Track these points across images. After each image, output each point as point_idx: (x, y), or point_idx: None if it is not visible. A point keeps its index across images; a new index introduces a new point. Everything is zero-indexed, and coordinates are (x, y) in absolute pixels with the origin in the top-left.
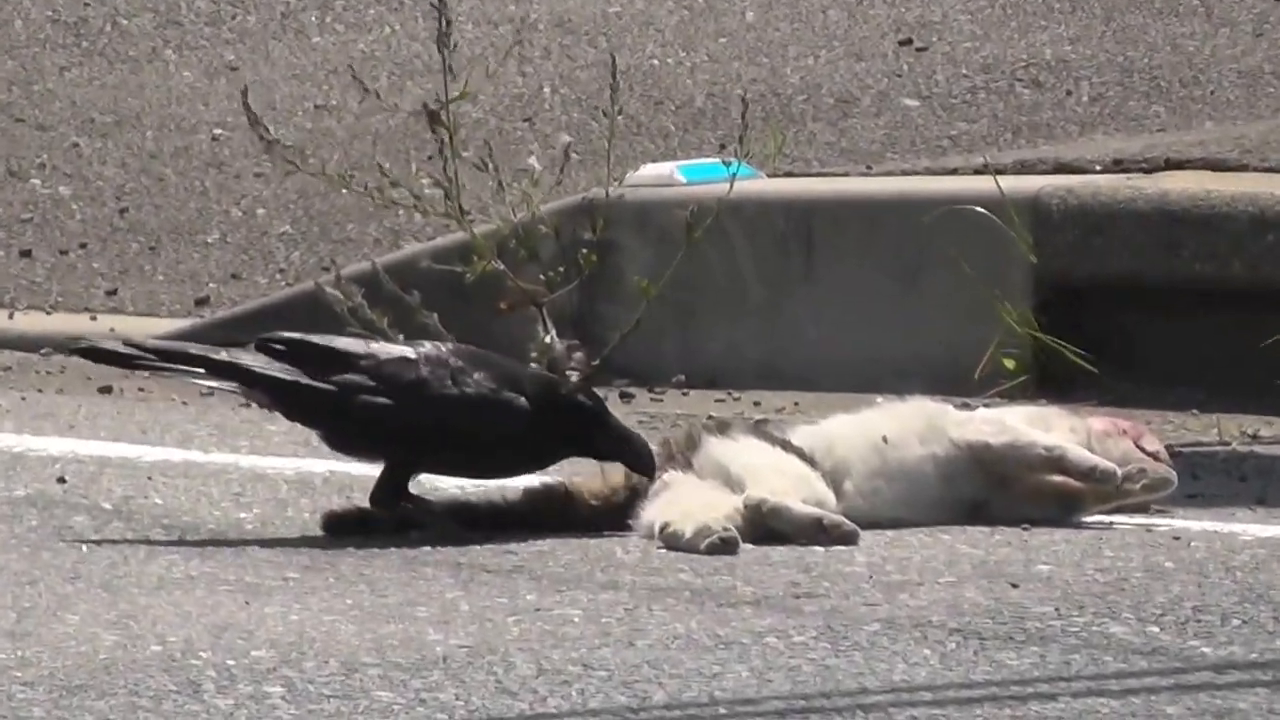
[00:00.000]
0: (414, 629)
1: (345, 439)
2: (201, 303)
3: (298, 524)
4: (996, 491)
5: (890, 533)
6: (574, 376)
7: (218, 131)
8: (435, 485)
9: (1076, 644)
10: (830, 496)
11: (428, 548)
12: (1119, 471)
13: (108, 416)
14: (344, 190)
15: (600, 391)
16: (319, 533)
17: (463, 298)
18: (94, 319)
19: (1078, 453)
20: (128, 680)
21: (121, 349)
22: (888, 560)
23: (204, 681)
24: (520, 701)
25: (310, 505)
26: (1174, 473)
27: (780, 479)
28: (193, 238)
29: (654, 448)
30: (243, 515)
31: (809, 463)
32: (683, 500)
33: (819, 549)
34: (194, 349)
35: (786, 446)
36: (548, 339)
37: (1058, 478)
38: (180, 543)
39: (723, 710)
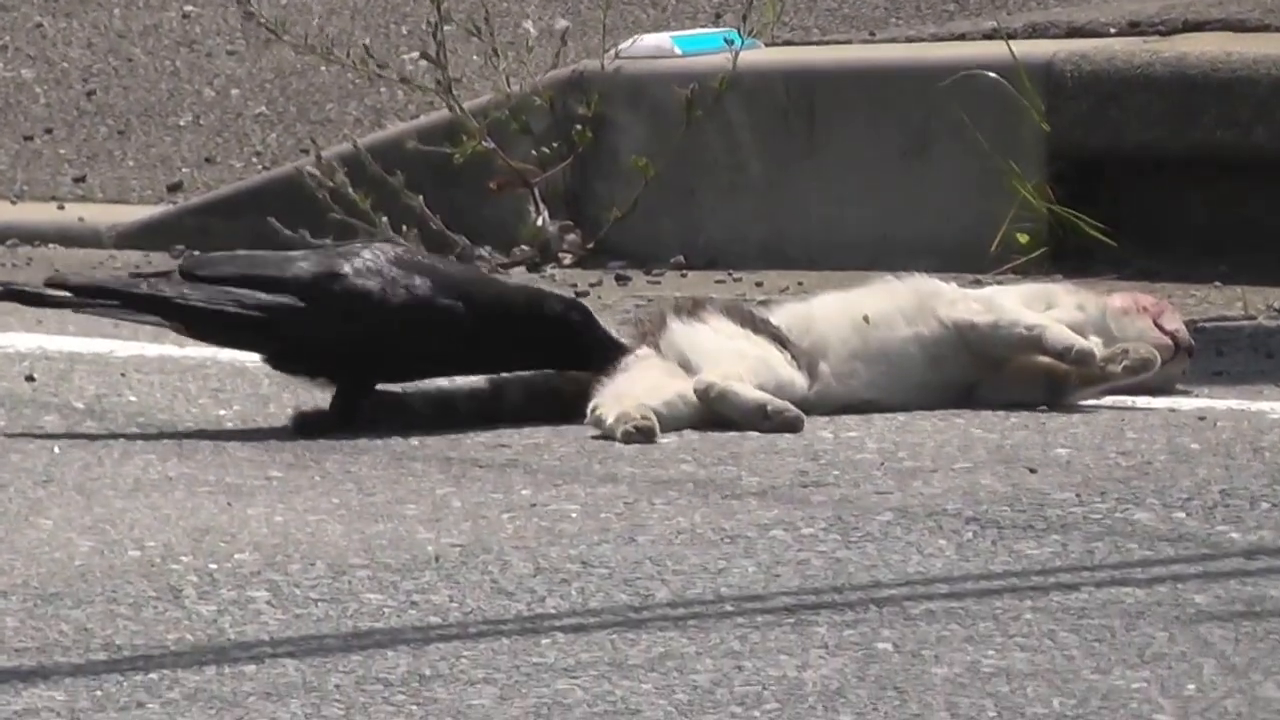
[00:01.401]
0: (404, 528)
1: (285, 362)
2: (174, 188)
3: (280, 421)
4: (987, 373)
5: (901, 417)
6: (566, 259)
7: (188, 8)
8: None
9: (1099, 531)
10: (797, 378)
11: (416, 442)
12: (1096, 351)
13: None
14: (324, 67)
15: (595, 274)
16: None
17: (450, 179)
18: (61, 208)
19: (1056, 332)
20: (105, 587)
21: (38, 290)
22: (899, 446)
23: (185, 587)
24: (517, 602)
25: (293, 400)
26: (1156, 353)
27: (737, 362)
28: (164, 120)
29: (627, 325)
30: (222, 412)
31: (782, 344)
32: (631, 383)
33: (827, 435)
34: (114, 283)
35: (759, 327)
36: (539, 220)
37: (1043, 359)
38: (157, 439)
39: (729, 607)
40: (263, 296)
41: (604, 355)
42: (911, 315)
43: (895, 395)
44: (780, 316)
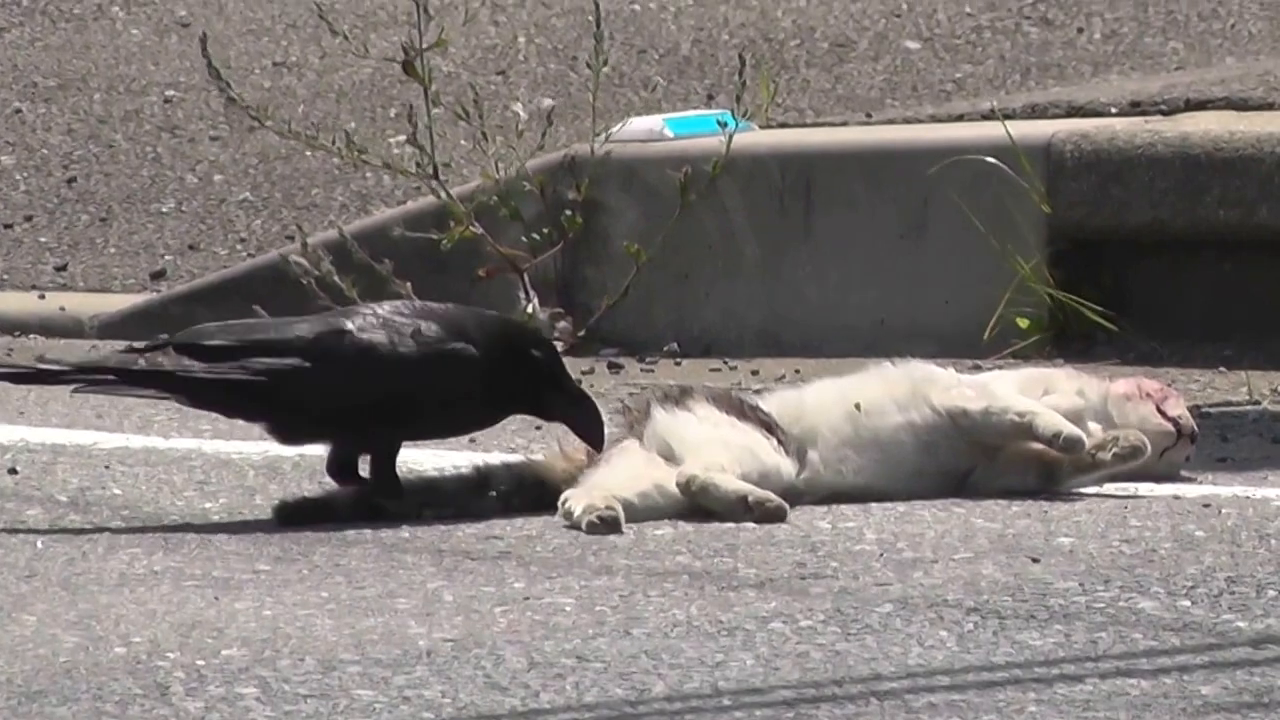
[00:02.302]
0: (395, 622)
1: (289, 428)
2: (157, 276)
3: (267, 512)
4: (981, 460)
5: (901, 506)
6: (559, 347)
7: (170, 93)
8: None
9: (1103, 621)
10: (784, 465)
11: (406, 534)
12: (1086, 438)
13: (60, 401)
14: (309, 152)
15: (587, 362)
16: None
17: (439, 265)
18: (42, 297)
19: (1046, 418)
20: (91, 684)
21: (33, 367)
22: (899, 536)
23: (172, 684)
24: (511, 697)
25: (279, 492)
26: (1146, 440)
27: (721, 451)
28: (146, 207)
29: (616, 415)
30: (208, 504)
31: (770, 430)
32: (609, 474)
33: (825, 525)
34: (109, 360)
35: (746, 414)
36: (530, 307)
37: (1035, 445)
38: (143, 533)
39: (727, 701)
40: (267, 360)
41: (563, 401)
42: (904, 402)
43: (886, 482)
44: (772, 403)
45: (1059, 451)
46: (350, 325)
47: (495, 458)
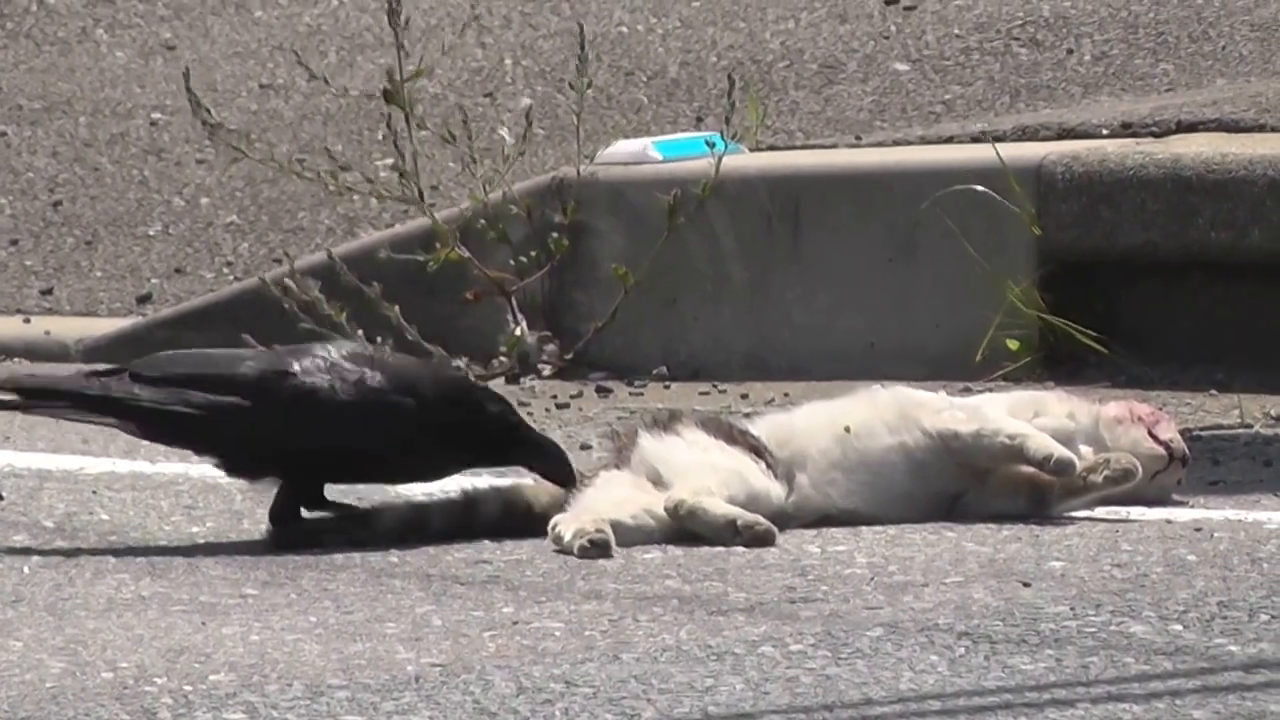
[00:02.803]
0: (383, 647)
1: (236, 464)
2: (144, 300)
3: (254, 537)
4: (971, 483)
5: (892, 530)
6: (545, 370)
7: (156, 116)
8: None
9: (1094, 645)
10: (773, 488)
11: (395, 558)
12: (1077, 461)
13: (46, 425)
14: (294, 176)
15: (575, 386)
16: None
17: (426, 288)
18: (28, 321)
19: (1037, 441)
20: (77, 710)
21: None
22: (890, 560)
23: (160, 709)
24: None
25: (266, 517)
26: (1137, 463)
27: (708, 475)
28: (132, 230)
29: (605, 439)
30: (195, 529)
31: (758, 453)
32: (597, 498)
33: (815, 549)
34: (65, 384)
35: (735, 438)
36: (517, 331)
37: (1026, 468)
38: (130, 557)
39: None
40: (210, 397)
41: (525, 451)
42: (894, 425)
43: (876, 505)
44: (761, 427)
45: (1050, 474)
46: (295, 367)
47: (484, 482)
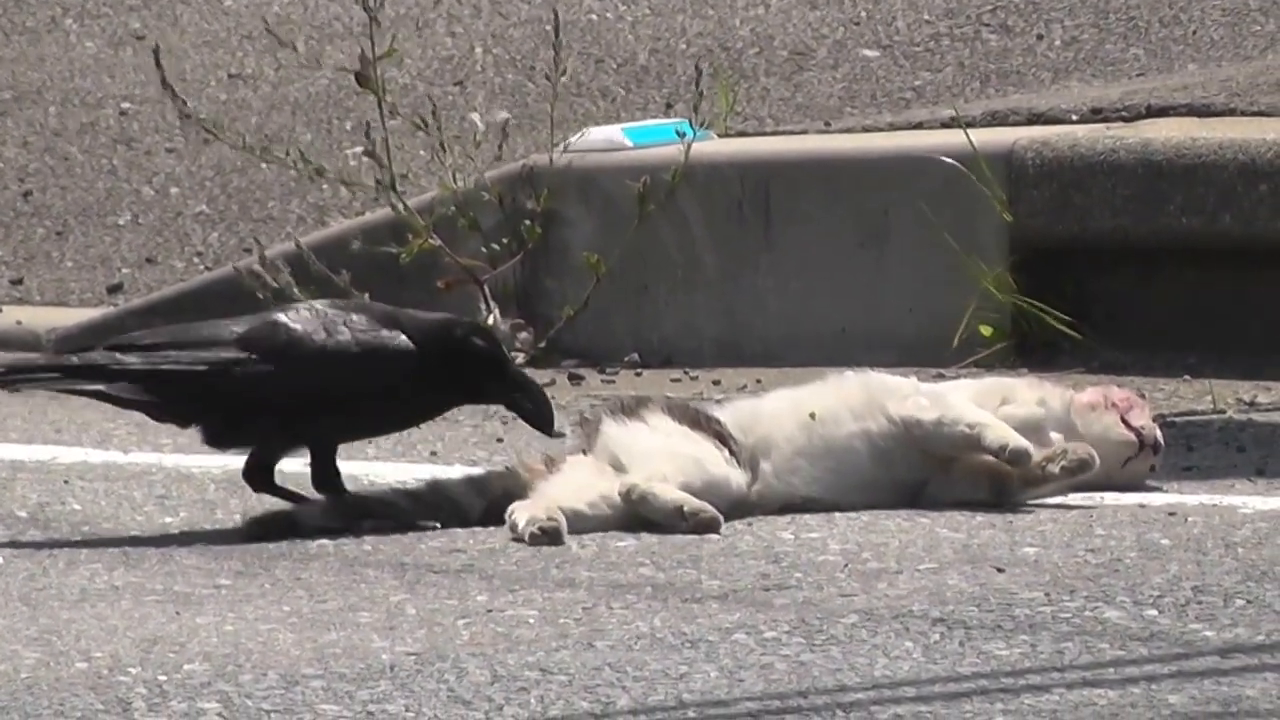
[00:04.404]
0: (357, 636)
1: (221, 426)
2: (114, 290)
3: (227, 527)
4: (936, 471)
5: (865, 516)
6: (518, 358)
7: (125, 105)
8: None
9: (1069, 631)
10: (734, 476)
11: (368, 547)
12: (1033, 451)
13: (18, 417)
14: (265, 164)
15: (549, 374)
16: None
17: (397, 277)
18: None
19: (996, 431)
20: (52, 700)
21: None
22: (864, 547)
23: (134, 699)
24: (475, 711)
25: (240, 506)
26: (1094, 454)
27: (666, 462)
28: (103, 220)
29: (575, 427)
30: (168, 519)
31: (724, 442)
32: (558, 485)
33: (789, 536)
34: (45, 360)
35: (700, 424)
36: (490, 319)
37: (986, 457)
38: (103, 548)
39: (691, 713)
40: (201, 353)
41: (507, 384)
42: (860, 411)
43: (840, 493)
44: (727, 413)
45: (1006, 464)
46: (284, 317)
47: (457, 470)
